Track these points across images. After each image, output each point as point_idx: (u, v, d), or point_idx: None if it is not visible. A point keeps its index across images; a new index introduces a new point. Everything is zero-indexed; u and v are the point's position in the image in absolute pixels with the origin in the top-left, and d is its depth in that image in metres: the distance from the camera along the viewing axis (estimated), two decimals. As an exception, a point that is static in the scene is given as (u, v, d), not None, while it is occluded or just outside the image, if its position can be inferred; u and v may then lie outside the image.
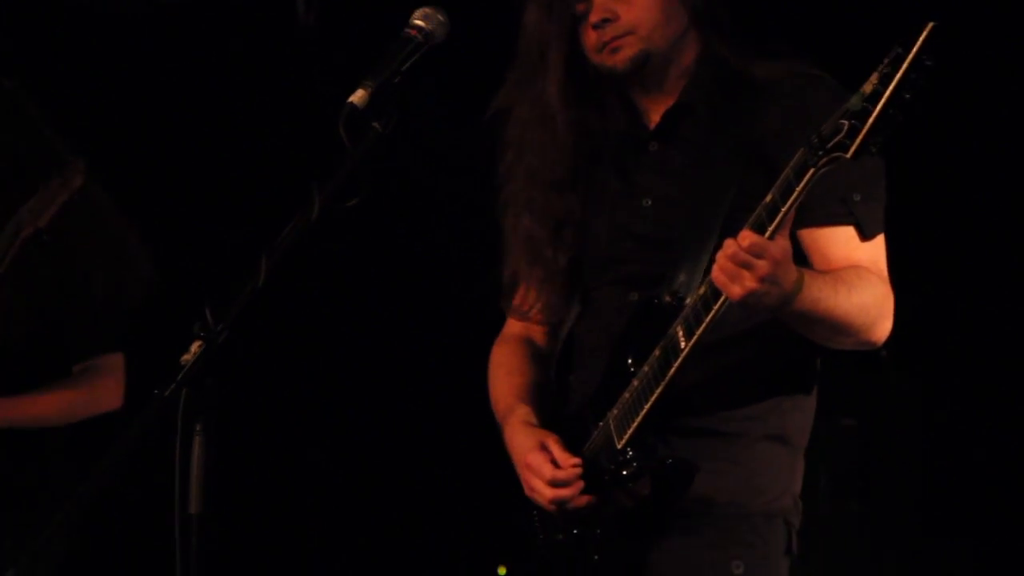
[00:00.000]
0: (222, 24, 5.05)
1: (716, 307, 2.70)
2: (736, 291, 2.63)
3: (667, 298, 2.87)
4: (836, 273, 2.81)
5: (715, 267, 2.66)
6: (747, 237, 2.61)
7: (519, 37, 3.07)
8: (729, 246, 2.63)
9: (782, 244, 2.63)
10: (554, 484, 2.90)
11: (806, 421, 3.01)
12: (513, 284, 3.16)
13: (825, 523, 4.19)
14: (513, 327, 3.24)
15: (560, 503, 2.90)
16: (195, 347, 2.50)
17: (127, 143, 4.87)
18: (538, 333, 3.22)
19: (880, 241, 2.90)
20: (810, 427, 3.02)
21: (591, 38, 2.98)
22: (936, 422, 4.28)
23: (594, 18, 2.96)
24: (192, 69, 5.05)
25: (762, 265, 2.61)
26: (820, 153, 2.54)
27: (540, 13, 3.03)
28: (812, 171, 2.57)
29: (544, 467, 2.91)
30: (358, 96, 2.61)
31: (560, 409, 3.08)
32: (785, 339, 2.88)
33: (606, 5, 2.95)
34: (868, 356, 4.00)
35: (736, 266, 2.62)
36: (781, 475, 2.96)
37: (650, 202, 2.99)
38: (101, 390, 3.82)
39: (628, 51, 2.95)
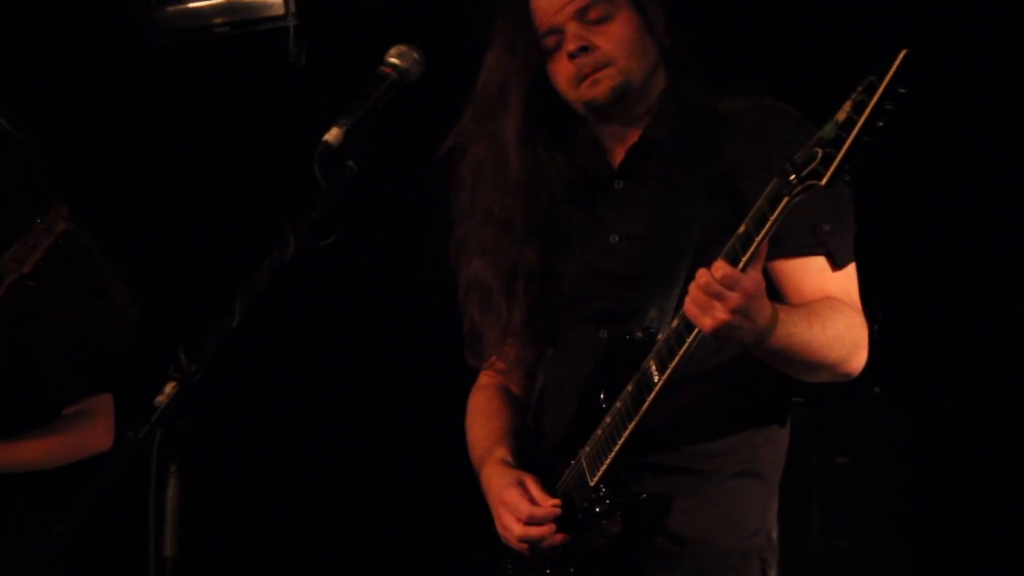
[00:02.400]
0: (207, 64, 5.07)
1: (689, 340, 2.68)
2: (707, 323, 2.61)
3: (638, 334, 2.85)
4: (809, 306, 2.79)
5: (687, 298, 2.64)
6: (720, 268, 2.59)
7: (479, 74, 3.06)
8: (702, 276, 2.61)
9: (755, 277, 2.60)
10: (530, 522, 2.88)
11: (779, 456, 2.99)
12: (475, 336, 3.13)
13: (817, 560, 4.17)
14: (487, 376, 3.22)
15: (533, 542, 2.88)
16: (169, 388, 2.48)
17: (104, 180, 4.89)
18: (512, 379, 3.20)
19: (852, 270, 2.89)
20: (783, 463, 3.00)
21: (567, 70, 2.96)
22: (929, 460, 4.25)
23: (571, 46, 2.94)
24: (175, 109, 5.06)
25: (734, 297, 2.58)
26: (794, 181, 2.53)
27: (503, 50, 3.02)
28: (786, 200, 2.55)
29: (521, 504, 2.89)
30: (332, 135, 2.61)
31: (533, 449, 3.06)
32: (757, 374, 2.86)
33: (581, 35, 2.94)
34: (861, 394, 4.02)
35: (708, 297, 2.60)
36: (754, 511, 2.94)
37: (617, 239, 2.98)
38: (89, 432, 3.80)
39: (609, 82, 2.94)
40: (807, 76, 3.45)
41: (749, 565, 2.91)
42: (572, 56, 2.94)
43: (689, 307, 2.63)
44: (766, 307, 2.65)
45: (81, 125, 4.98)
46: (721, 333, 2.62)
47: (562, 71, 2.97)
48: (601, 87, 2.95)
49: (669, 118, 2.98)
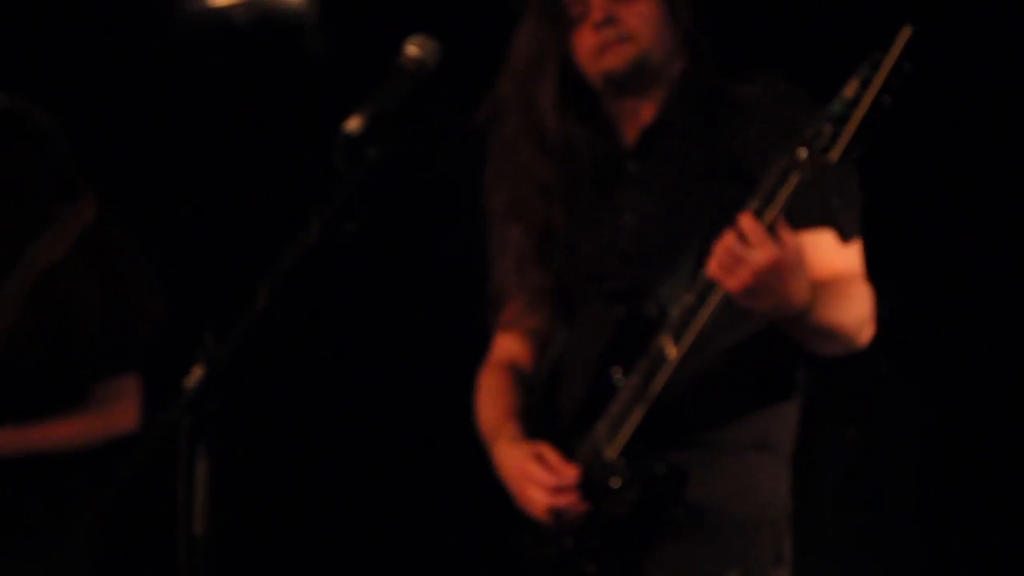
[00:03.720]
0: (231, 53, 5.12)
1: (705, 313, 2.75)
2: (732, 283, 2.67)
3: (652, 310, 2.90)
4: (836, 286, 2.85)
5: (712, 259, 2.69)
6: (746, 219, 2.64)
7: (511, 44, 3.12)
8: (728, 236, 2.66)
9: (777, 248, 2.65)
10: (557, 491, 2.91)
11: (791, 429, 3.04)
12: (500, 297, 3.19)
13: (828, 532, 4.21)
14: (499, 351, 3.26)
15: (558, 511, 2.92)
16: (197, 371, 2.55)
17: (131, 166, 4.93)
18: (525, 354, 3.23)
19: (859, 244, 2.94)
20: (795, 434, 3.05)
21: (589, 41, 3.02)
22: (939, 432, 4.29)
23: (597, 16, 2.99)
24: (200, 96, 5.11)
25: (757, 258, 2.64)
26: (803, 157, 2.59)
27: (535, 20, 3.07)
28: (796, 175, 2.62)
29: (543, 475, 2.92)
30: (353, 123, 2.66)
31: (547, 426, 3.10)
32: (769, 348, 2.92)
33: (607, 6, 2.99)
34: (871, 367, 4.06)
35: (732, 258, 2.65)
36: (768, 483, 3.00)
37: (631, 219, 3.03)
38: (116, 413, 3.83)
39: (629, 54, 3.00)
40: (816, 58, 3.49)
41: (763, 536, 2.96)
42: (596, 26, 3.00)
43: (713, 268, 2.69)
44: (803, 286, 2.71)
45: (107, 114, 5.02)
46: (747, 297, 2.68)
47: (585, 41, 3.03)
48: (620, 58, 3.00)
49: (684, 101, 3.04)
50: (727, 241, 2.66)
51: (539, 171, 3.08)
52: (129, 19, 5.09)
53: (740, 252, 2.65)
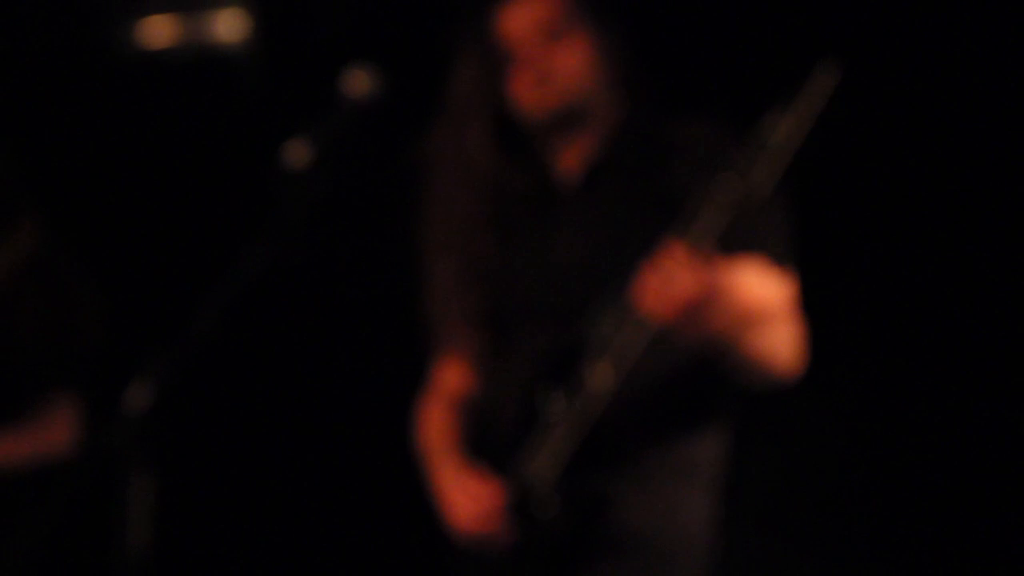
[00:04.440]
0: (167, 93, 5.15)
1: (634, 340, 2.82)
2: (661, 310, 2.75)
3: (584, 336, 2.95)
4: (766, 316, 2.92)
5: (640, 287, 2.77)
6: (673, 243, 2.73)
7: (449, 83, 3.17)
8: (653, 261, 2.74)
9: (707, 275, 2.73)
10: (483, 517, 2.97)
11: (719, 453, 3.09)
12: (435, 327, 3.21)
13: (754, 555, 4.23)
14: (441, 381, 3.26)
15: (486, 538, 2.97)
16: (137, 390, 2.56)
17: (74, 193, 4.94)
18: (465, 383, 3.23)
19: (790, 275, 2.99)
20: (723, 459, 3.10)
21: (519, 85, 3.07)
22: (868, 455, 4.33)
23: (525, 62, 3.04)
24: (136, 130, 5.13)
25: (686, 281, 2.72)
26: (725, 181, 2.68)
27: (471, 57, 3.13)
28: (721, 199, 2.71)
29: (476, 502, 2.97)
30: (293, 150, 2.69)
31: (477, 452, 3.14)
32: (696, 375, 2.99)
33: (536, 51, 3.05)
34: (799, 390, 4.09)
35: (660, 283, 2.74)
36: (696, 507, 3.04)
37: (563, 252, 3.08)
38: (48, 430, 3.79)
39: (549, 98, 3.05)
40: (752, 91, 3.58)
41: (691, 559, 3.02)
42: (524, 72, 3.05)
43: (640, 291, 2.76)
44: (731, 310, 2.79)
45: (48, 130, 5.03)
46: (673, 320, 2.76)
47: (515, 85, 3.08)
48: (541, 103, 3.06)
49: (618, 140, 3.09)
50: (654, 264, 2.73)
51: (469, 206, 3.12)
52: (62, 61, 5.10)
53: (667, 275, 2.72)
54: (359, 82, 2.75)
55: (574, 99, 3.07)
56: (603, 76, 3.09)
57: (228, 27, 5.09)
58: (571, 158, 3.12)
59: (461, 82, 3.15)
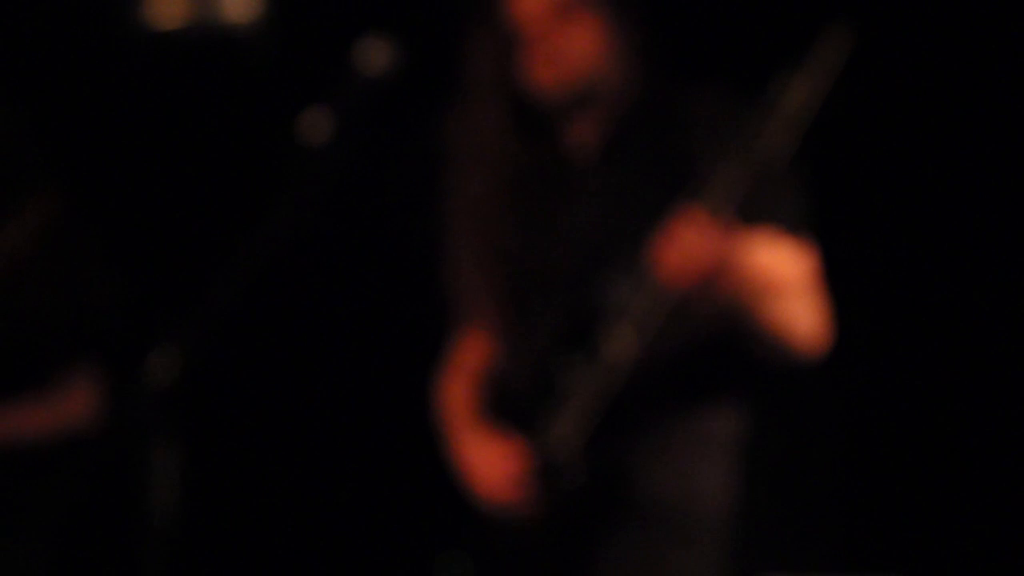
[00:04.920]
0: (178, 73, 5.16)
1: (653, 306, 2.82)
2: (683, 281, 2.76)
3: (601, 303, 2.97)
4: (786, 288, 2.93)
5: (660, 255, 2.77)
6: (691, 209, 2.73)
7: (463, 67, 3.17)
8: (671, 225, 2.74)
9: (725, 242, 2.74)
10: (510, 480, 2.99)
11: (740, 425, 3.10)
12: (457, 300, 3.22)
13: (772, 528, 4.24)
14: (463, 356, 3.27)
15: (515, 505, 2.99)
16: (155, 361, 2.60)
17: (94, 164, 4.95)
18: (486, 356, 3.23)
19: (812, 248, 3.00)
20: (744, 431, 3.11)
21: (530, 65, 3.07)
22: (880, 433, 4.34)
23: (537, 43, 3.04)
24: (150, 107, 5.14)
25: (705, 249, 2.74)
26: (744, 156, 2.69)
27: (485, 40, 3.13)
28: (736, 166, 2.71)
29: (499, 467, 3.00)
30: (308, 120, 2.71)
31: (500, 420, 3.15)
32: (720, 344, 2.99)
33: (547, 32, 3.05)
34: (815, 368, 4.10)
35: (681, 252, 2.76)
36: (716, 478, 3.06)
37: (583, 224, 3.09)
38: (68, 400, 3.78)
39: (560, 77, 3.05)
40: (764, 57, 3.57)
41: (709, 531, 3.03)
42: (536, 53, 3.05)
43: (658, 255, 2.77)
44: (748, 276, 2.81)
45: (63, 111, 5.04)
46: (689, 283, 2.78)
47: (527, 65, 3.07)
48: (552, 82, 3.06)
49: (632, 113, 3.09)
50: (671, 230, 2.73)
51: (488, 184, 3.13)
52: (74, 42, 5.11)
53: (684, 241, 2.72)
54: (375, 52, 2.76)
55: (586, 78, 3.07)
56: (615, 53, 3.08)
57: (239, 5, 5.09)
58: (586, 134, 3.13)
59: (474, 64, 3.15)
